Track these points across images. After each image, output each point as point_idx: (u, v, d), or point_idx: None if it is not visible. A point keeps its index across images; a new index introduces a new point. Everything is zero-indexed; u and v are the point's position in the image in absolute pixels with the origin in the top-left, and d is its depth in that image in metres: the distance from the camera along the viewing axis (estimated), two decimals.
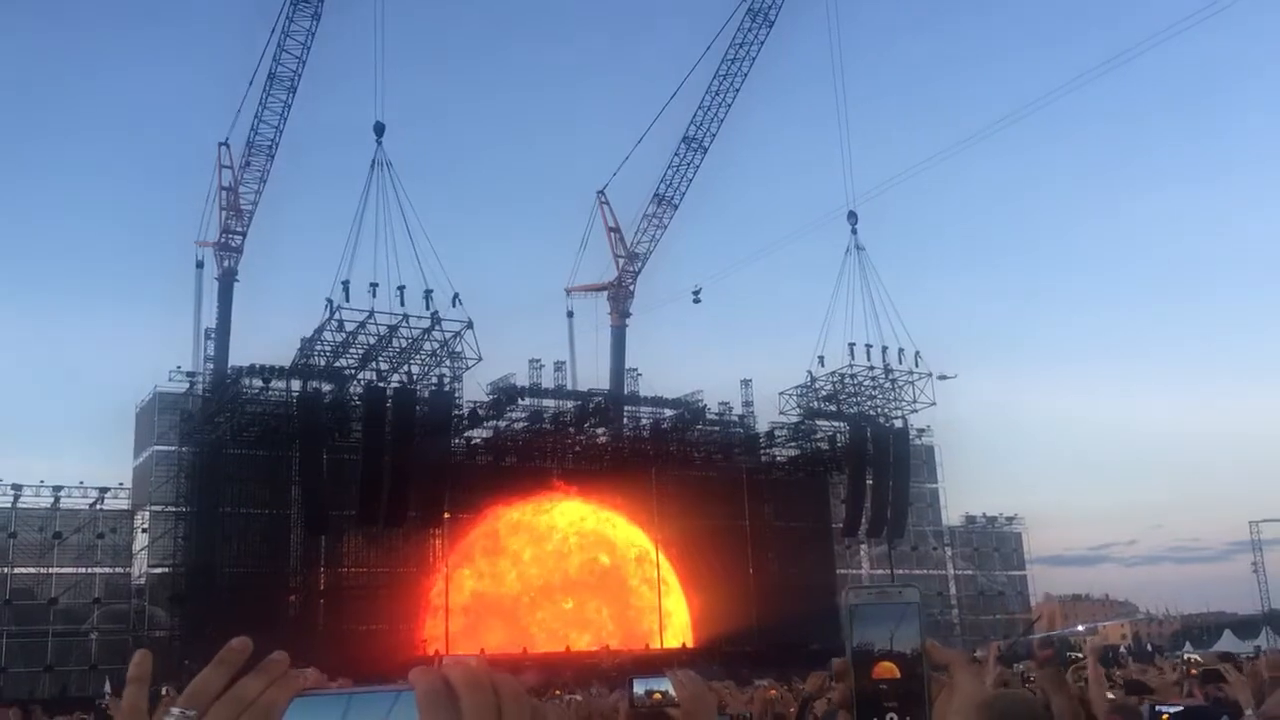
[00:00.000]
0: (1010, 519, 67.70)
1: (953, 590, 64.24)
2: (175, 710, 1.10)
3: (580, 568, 50.82)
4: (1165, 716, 4.58)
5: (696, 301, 59.28)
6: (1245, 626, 62.37)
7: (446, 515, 45.51)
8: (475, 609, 47.91)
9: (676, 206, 55.81)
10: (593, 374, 54.50)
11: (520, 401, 47.65)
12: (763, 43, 50.94)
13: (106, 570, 46.29)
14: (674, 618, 51.05)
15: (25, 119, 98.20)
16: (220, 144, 48.78)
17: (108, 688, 26.83)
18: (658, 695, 3.21)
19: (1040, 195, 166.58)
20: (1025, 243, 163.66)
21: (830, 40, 51.21)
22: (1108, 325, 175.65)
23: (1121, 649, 55.45)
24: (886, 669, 1.51)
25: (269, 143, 47.34)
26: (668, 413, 51.86)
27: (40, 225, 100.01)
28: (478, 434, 48.33)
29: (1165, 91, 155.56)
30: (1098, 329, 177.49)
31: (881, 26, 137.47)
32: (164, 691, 17.66)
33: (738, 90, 52.33)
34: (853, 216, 52.03)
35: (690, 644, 48.95)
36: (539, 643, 46.62)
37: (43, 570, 45.10)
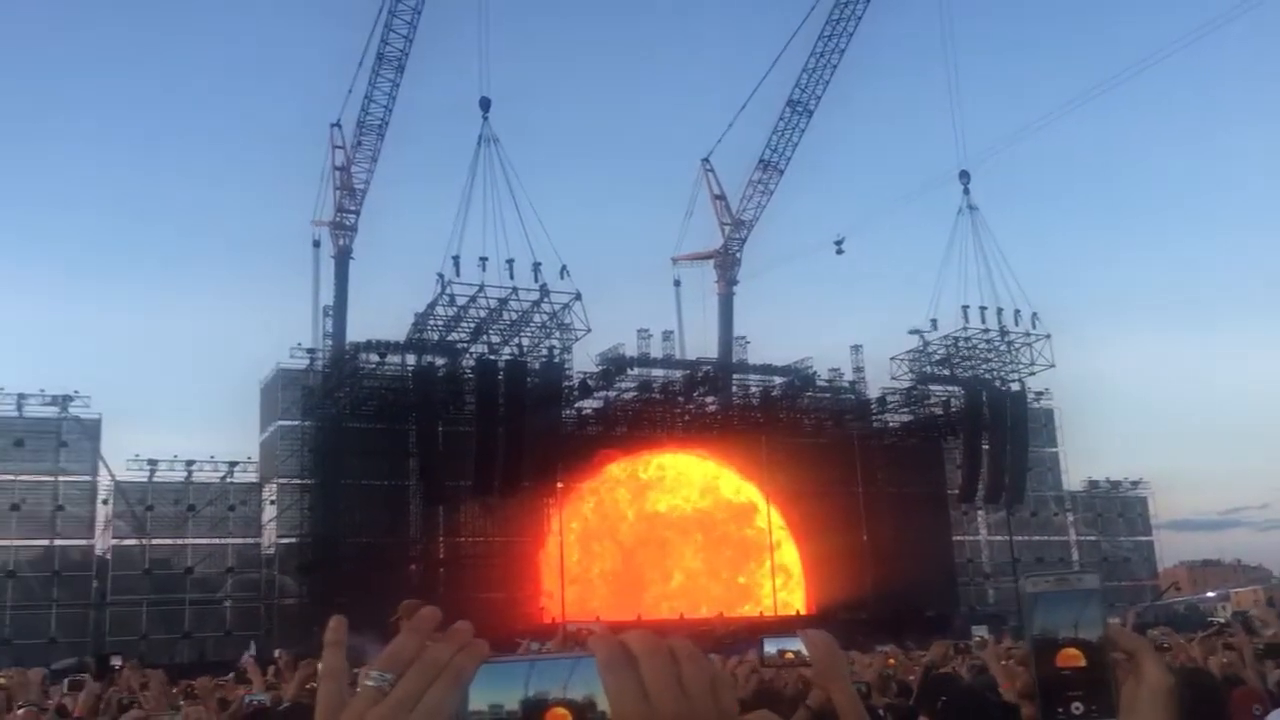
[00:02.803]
0: (1135, 483, 65.80)
1: (1075, 557, 62.68)
2: (374, 673, 1.16)
3: (692, 534, 50.99)
4: None
5: (840, 252, 57.66)
6: None
7: (559, 484, 46.13)
8: (588, 575, 48.53)
9: (782, 172, 55.15)
10: (701, 343, 54.50)
11: (629, 371, 47.95)
12: (869, 0, 49.85)
13: (238, 541, 48.13)
14: (787, 584, 50.96)
15: (156, 107, 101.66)
16: (332, 125, 49.78)
17: (252, 650, 28.07)
18: (789, 654, 3.23)
19: (1167, 150, 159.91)
20: (1153, 199, 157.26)
21: None
22: (1235, 282, 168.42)
23: (1252, 614, 53.51)
24: (1071, 656, 1.47)
25: (379, 122, 48.14)
26: (777, 380, 51.63)
27: (168, 204, 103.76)
28: (588, 404, 48.78)
29: None
30: (1225, 287, 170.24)
31: None
32: (276, 655, 18.16)
33: (843, 51, 51.33)
34: (964, 176, 50.93)
35: (804, 610, 48.82)
36: (652, 608, 46.98)
37: (178, 541, 47.10)
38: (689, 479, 51.67)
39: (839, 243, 57.22)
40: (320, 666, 1.33)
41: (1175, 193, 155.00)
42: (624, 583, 48.86)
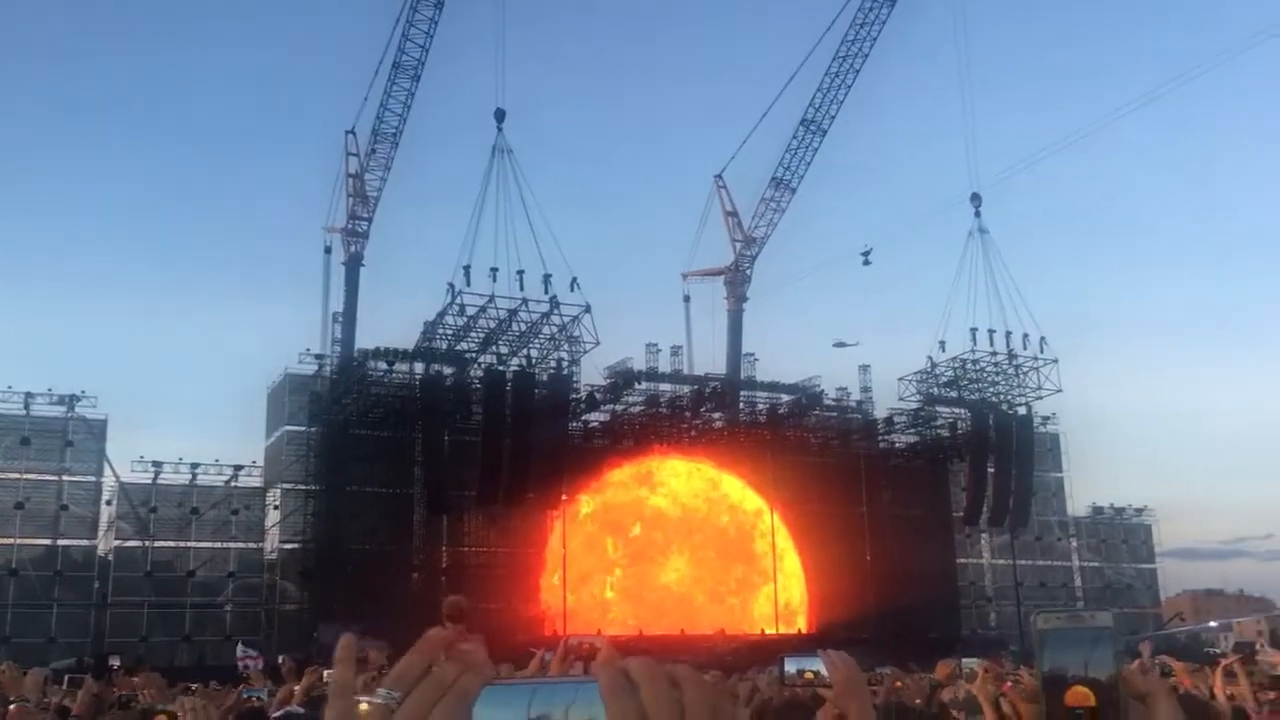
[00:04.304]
0: (1140, 510, 65.61)
1: (1078, 582, 62.59)
2: (381, 691, 1.19)
3: (695, 548, 50.88)
4: None
5: (866, 263, 56.80)
6: None
7: (564, 497, 46.10)
8: (589, 586, 48.42)
9: (795, 190, 55.20)
10: (709, 359, 54.45)
11: (637, 386, 47.96)
12: (884, 22, 49.96)
13: (240, 545, 48.16)
14: (789, 603, 50.81)
15: (170, 111, 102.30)
16: (347, 132, 49.95)
17: (242, 651, 28.09)
18: (810, 674, 3.21)
19: (1178, 177, 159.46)
20: (1163, 226, 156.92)
21: (955, 20, 50.42)
22: (1244, 311, 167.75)
23: (1257, 646, 53.23)
24: (1080, 695, 1.47)
25: (394, 130, 48.29)
26: (784, 398, 51.60)
27: (180, 207, 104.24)
28: (595, 418, 48.79)
29: None
30: (1234, 316, 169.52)
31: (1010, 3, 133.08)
32: (280, 661, 18.08)
33: (858, 71, 51.42)
34: (976, 199, 51.01)
35: (805, 629, 48.67)
36: (653, 622, 46.84)
37: (181, 544, 47.11)
38: (692, 484, 51.61)
39: (866, 254, 56.24)
40: (330, 684, 1.34)
41: (1185, 221, 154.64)
42: (625, 594, 48.78)
